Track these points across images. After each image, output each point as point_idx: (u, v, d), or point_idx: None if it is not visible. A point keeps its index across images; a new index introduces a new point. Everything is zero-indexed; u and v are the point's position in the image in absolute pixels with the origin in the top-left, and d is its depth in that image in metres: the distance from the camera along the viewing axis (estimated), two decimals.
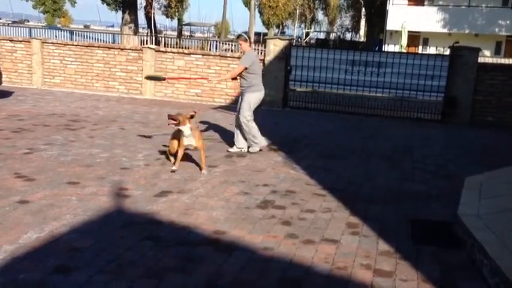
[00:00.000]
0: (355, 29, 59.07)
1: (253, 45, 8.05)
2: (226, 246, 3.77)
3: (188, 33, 51.63)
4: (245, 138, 6.99)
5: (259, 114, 10.56)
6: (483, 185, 5.25)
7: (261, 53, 15.75)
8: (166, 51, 12.79)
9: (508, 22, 33.09)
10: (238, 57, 12.37)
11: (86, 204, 4.45)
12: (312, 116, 11.22)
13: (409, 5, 34.90)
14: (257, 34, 47.95)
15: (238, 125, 6.98)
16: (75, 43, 13.73)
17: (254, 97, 6.86)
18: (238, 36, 7.26)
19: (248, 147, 7.01)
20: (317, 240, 4.00)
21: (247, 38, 7.09)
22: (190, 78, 7.95)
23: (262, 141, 7.02)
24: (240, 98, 7.00)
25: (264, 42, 13.80)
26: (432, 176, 6.39)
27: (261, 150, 7.00)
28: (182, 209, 4.52)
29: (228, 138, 7.92)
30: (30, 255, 3.41)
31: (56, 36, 26.84)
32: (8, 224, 3.89)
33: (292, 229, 4.20)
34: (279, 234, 4.08)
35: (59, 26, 51.46)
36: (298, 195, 5.18)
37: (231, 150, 6.97)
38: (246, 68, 6.73)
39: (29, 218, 4.05)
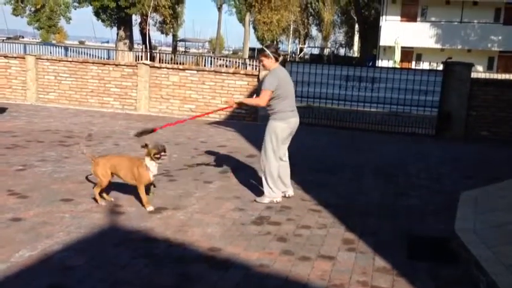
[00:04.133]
0: (349, 44, 59.51)
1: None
2: (221, 263, 3.74)
3: (183, 49, 51.86)
4: (283, 183, 5.57)
5: (255, 129, 10.58)
6: (479, 199, 5.25)
7: (256, 69, 15.83)
8: (161, 67, 12.81)
9: (500, 37, 33.51)
10: (233, 73, 12.43)
11: (80, 222, 4.41)
12: (307, 130, 11.23)
13: (401, 21, 35.29)
14: (252, 50, 48.26)
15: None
16: (70, 59, 13.75)
17: (276, 127, 5.30)
18: (260, 51, 5.50)
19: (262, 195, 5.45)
20: (313, 256, 3.97)
21: (269, 53, 5.29)
22: (182, 121, 6.51)
23: (277, 193, 5.41)
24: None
25: (259, 57, 13.86)
26: (427, 190, 6.38)
27: (272, 202, 5.38)
28: (177, 225, 4.49)
29: (222, 153, 7.91)
30: (22, 274, 3.36)
31: (50, 53, 26.91)
32: (0, 242, 3.84)
33: (287, 245, 4.17)
34: (274, 250, 4.04)
35: (53, 42, 51.61)
36: (294, 211, 5.15)
37: (258, 200, 5.41)
38: (272, 92, 5.22)
39: (21, 235, 4.00)
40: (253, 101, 5.51)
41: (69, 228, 4.24)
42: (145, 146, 4.80)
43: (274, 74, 5.25)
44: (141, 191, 4.83)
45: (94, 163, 4.93)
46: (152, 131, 5.82)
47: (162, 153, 4.81)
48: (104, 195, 5.07)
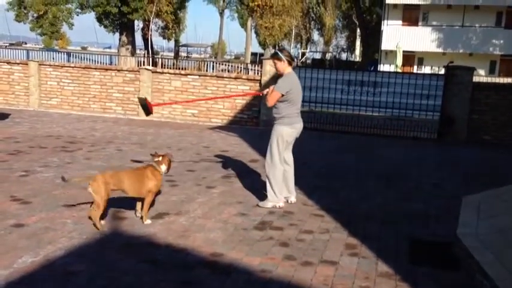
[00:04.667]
0: (351, 49, 59.55)
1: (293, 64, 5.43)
2: (223, 268, 3.73)
3: (185, 54, 52.00)
4: (287, 188, 5.59)
5: (257, 134, 10.59)
6: (481, 204, 5.24)
7: (258, 73, 15.85)
8: (163, 72, 12.84)
9: (501, 41, 33.51)
10: (235, 78, 12.46)
11: (82, 227, 4.41)
12: (309, 135, 11.23)
13: (403, 25, 35.35)
14: (253, 54, 48.34)
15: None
16: (72, 65, 13.79)
17: (283, 132, 5.34)
18: (273, 55, 5.47)
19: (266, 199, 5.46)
20: (315, 261, 3.96)
21: (282, 56, 5.31)
22: (183, 102, 6.74)
23: (280, 198, 5.42)
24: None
25: (261, 62, 13.88)
26: (429, 195, 6.37)
27: (274, 207, 5.39)
28: (179, 231, 4.49)
29: (225, 158, 7.91)
30: (24, 280, 3.36)
31: (53, 58, 27.01)
32: (2, 248, 3.84)
33: (290, 250, 4.16)
34: (276, 256, 4.04)
35: (56, 48, 51.78)
36: (296, 216, 5.14)
37: (261, 205, 5.42)
38: (282, 95, 5.24)
39: (23, 241, 4.00)
40: (268, 95, 5.37)
41: (71, 234, 4.24)
42: (166, 154, 4.84)
43: (288, 79, 5.30)
44: (150, 202, 4.65)
45: (93, 180, 4.40)
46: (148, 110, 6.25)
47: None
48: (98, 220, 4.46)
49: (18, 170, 6.38)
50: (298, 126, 5.43)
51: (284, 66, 5.34)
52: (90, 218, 4.45)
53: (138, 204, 4.72)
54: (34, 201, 5.08)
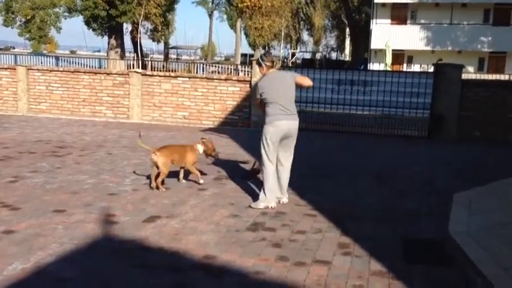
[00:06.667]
0: (341, 48, 59.73)
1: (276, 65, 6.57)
2: (217, 271, 3.71)
3: (175, 56, 51.85)
4: (280, 188, 5.60)
5: (248, 135, 10.58)
6: (472, 201, 5.26)
7: (248, 75, 15.84)
8: (152, 75, 12.80)
9: (489, 38, 33.77)
10: (225, 79, 12.44)
11: (73, 233, 4.36)
12: (300, 135, 11.21)
13: (392, 24, 35.53)
14: (243, 55, 48.33)
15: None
16: (61, 69, 13.70)
17: (266, 131, 5.36)
18: (256, 63, 5.94)
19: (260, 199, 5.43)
20: (308, 262, 3.95)
21: (260, 61, 5.50)
22: None
23: (272, 199, 5.40)
24: None
25: (251, 63, 13.88)
26: (422, 193, 6.39)
27: (267, 207, 5.35)
28: (171, 234, 4.46)
29: (216, 160, 7.88)
30: (15, 287, 3.32)
31: (41, 63, 26.81)
32: None
33: (283, 251, 4.15)
34: (270, 257, 4.02)
35: (45, 52, 51.40)
36: (289, 216, 5.13)
37: (253, 206, 5.40)
38: (258, 98, 5.49)
39: (13, 248, 3.95)
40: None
41: (62, 239, 4.20)
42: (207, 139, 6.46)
43: (261, 81, 5.57)
44: (194, 170, 6.22)
45: (159, 154, 5.81)
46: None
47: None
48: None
49: (7, 175, 6.31)
50: (280, 124, 5.29)
51: (262, 70, 5.55)
52: (155, 187, 5.86)
53: (181, 172, 6.33)
54: (24, 207, 5.02)
